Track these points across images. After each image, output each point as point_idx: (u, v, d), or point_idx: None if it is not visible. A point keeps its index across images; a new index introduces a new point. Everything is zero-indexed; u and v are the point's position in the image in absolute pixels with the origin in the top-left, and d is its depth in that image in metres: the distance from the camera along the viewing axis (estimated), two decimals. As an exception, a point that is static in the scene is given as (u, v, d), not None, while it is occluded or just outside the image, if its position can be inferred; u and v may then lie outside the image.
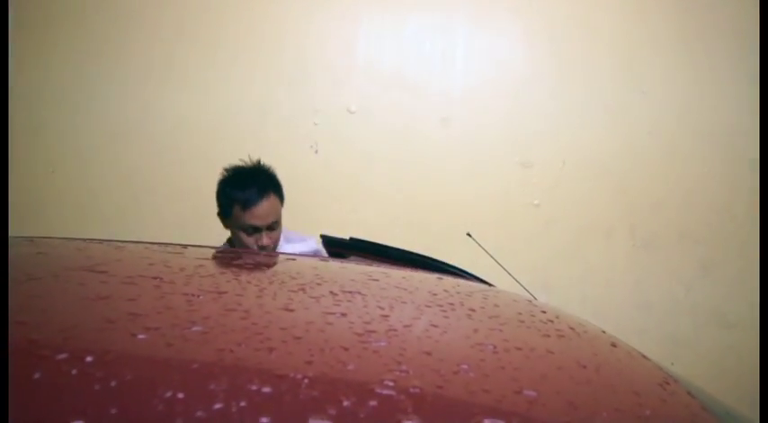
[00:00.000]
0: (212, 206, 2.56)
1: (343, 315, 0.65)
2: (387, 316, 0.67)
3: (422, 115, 2.69)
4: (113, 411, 0.41)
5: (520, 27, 2.74)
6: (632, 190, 2.75)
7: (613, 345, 0.77)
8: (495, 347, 0.62)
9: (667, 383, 0.66)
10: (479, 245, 1.69)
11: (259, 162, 1.95)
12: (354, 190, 2.63)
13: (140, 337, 0.53)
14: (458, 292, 0.88)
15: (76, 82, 2.61)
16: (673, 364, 0.98)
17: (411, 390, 0.48)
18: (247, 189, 1.85)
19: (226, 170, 1.96)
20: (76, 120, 2.60)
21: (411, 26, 2.71)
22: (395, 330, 0.62)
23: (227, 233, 2.00)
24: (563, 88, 2.74)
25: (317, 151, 2.64)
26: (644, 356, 0.77)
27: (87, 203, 2.58)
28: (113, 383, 0.44)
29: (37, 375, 0.45)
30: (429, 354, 0.58)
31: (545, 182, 2.70)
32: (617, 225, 2.75)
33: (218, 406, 0.42)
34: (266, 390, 0.45)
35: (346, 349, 0.55)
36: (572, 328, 0.78)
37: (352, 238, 1.78)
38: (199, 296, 0.67)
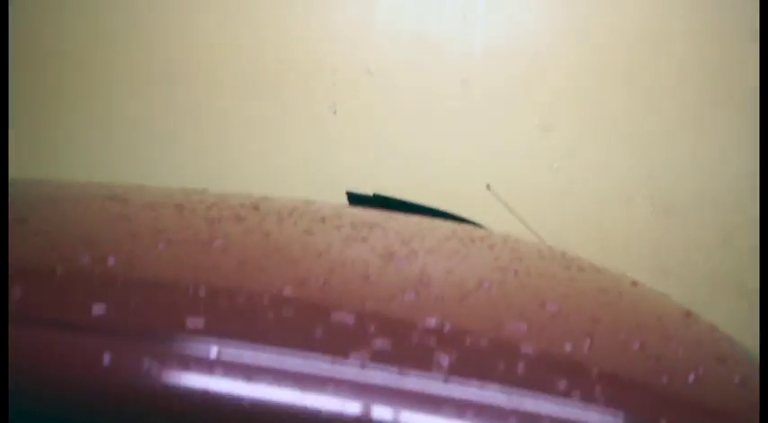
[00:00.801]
0: (232, 164, 2.56)
1: (364, 240, 0.65)
2: (407, 242, 0.66)
3: (441, 77, 2.65)
4: (133, 302, 0.41)
5: (543, -13, 2.68)
6: (653, 155, 2.71)
7: (634, 283, 0.77)
8: (516, 272, 0.62)
9: (689, 315, 0.66)
10: (498, 198, 1.67)
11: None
12: (373, 151, 2.61)
13: (160, 246, 0.53)
14: (479, 235, 0.87)
15: (93, 37, 2.61)
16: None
17: (434, 299, 0.48)
18: None
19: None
20: (95, 76, 2.60)
21: (432, -15, 2.66)
22: (415, 253, 0.62)
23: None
24: (584, 50, 2.68)
25: (335, 112, 2.62)
26: (665, 295, 0.76)
27: (102, 157, 2.59)
28: (133, 276, 0.45)
29: (60, 270, 0.45)
30: (451, 272, 0.57)
31: (565, 145, 2.67)
32: (637, 190, 2.71)
33: (240, 301, 0.42)
34: (287, 292, 0.45)
35: (367, 264, 0.55)
36: (592, 266, 0.78)
37: (375, 194, 1.78)
38: (219, 220, 0.67)
